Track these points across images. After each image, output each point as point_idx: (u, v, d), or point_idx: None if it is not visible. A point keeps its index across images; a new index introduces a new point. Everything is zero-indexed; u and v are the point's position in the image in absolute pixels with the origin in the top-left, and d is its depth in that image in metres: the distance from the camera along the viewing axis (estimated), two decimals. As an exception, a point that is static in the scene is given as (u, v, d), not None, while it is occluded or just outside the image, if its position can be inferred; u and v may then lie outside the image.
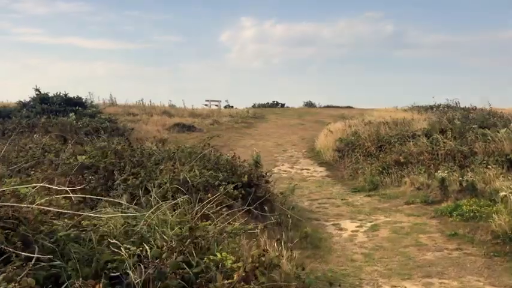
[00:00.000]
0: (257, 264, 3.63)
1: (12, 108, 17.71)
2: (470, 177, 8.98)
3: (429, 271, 5.63)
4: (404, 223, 7.78)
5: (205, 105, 37.51)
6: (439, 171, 10.34)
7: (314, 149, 18.03)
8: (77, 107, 18.16)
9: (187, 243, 3.74)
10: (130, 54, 72.51)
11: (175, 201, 4.57)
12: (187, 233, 3.76)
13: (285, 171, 14.89)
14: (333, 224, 7.98)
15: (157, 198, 5.00)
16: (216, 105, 37.95)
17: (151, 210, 3.90)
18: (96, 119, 17.22)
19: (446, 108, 21.98)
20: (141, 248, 3.17)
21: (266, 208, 7.18)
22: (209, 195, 6.08)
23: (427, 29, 78.28)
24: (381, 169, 12.08)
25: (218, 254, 3.34)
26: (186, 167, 7.02)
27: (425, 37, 75.02)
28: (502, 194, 7.24)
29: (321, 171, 14.76)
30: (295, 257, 5.24)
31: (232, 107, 40.10)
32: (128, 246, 3.12)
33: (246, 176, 7.28)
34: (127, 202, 4.71)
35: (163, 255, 3.17)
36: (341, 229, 7.68)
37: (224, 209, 6.18)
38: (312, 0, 74.76)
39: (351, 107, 38.30)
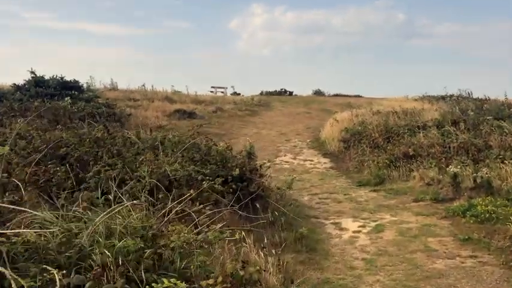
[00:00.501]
0: (229, 285, 2.93)
1: (5, 90, 17.07)
2: (486, 173, 8.19)
3: (439, 284, 4.90)
4: (412, 223, 7.04)
5: (211, 91, 36.79)
6: (450, 166, 9.56)
7: (319, 139, 17.28)
8: (73, 91, 17.48)
9: (146, 255, 3.05)
10: (139, 40, 71.77)
11: (133, 202, 3.84)
12: (143, 244, 3.07)
13: (287, 162, 14.17)
14: (333, 223, 7.27)
15: (121, 195, 4.28)
16: (222, 92, 37.21)
17: (104, 214, 3.19)
18: (92, 103, 16.54)
19: (458, 99, 21.00)
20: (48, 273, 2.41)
21: (258, 205, 6.49)
22: (191, 191, 5.40)
23: (438, 18, 76.64)
24: (388, 162, 11.31)
25: (165, 281, 2.63)
26: (171, 158, 6.32)
27: (436, 26, 73.38)
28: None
29: (324, 163, 14.02)
30: (285, 265, 4.55)
31: (239, 94, 39.29)
32: (32, 268, 2.40)
33: (237, 169, 6.56)
34: (88, 200, 4.02)
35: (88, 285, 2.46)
36: (341, 229, 6.96)
37: (208, 208, 5.50)
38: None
39: (360, 96, 37.39)
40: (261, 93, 40.18)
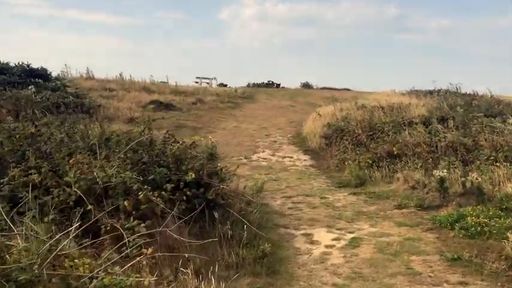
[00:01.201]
0: None
1: (-36, 78, 15.85)
2: (476, 178, 7.36)
3: (422, 321, 4.04)
4: (393, 237, 6.17)
5: (196, 82, 35.70)
6: (437, 169, 8.74)
7: (301, 134, 16.40)
8: (39, 80, 16.32)
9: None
10: (129, 29, 70.25)
11: None
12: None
13: (265, 158, 13.26)
14: (304, 235, 6.37)
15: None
16: (208, 83, 36.12)
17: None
18: (58, 93, 15.41)
19: (446, 94, 20.21)
20: None
21: (216, 216, 5.56)
22: (125, 202, 4.45)
23: (429, 13, 76.21)
24: (370, 161, 10.46)
25: None
26: (113, 160, 5.35)
27: (427, 21, 72.98)
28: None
29: (304, 160, 13.15)
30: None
31: (226, 85, 38.42)
32: None
33: (192, 173, 5.61)
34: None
35: None
36: (313, 242, 6.06)
37: (151, 222, 4.58)
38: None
39: (349, 89, 36.71)
40: (248, 85, 39.26)
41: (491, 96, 17.55)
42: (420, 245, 5.82)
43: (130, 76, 26.02)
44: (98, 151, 5.44)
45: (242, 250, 5.11)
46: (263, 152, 14.05)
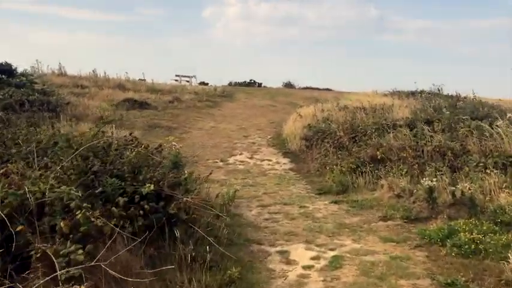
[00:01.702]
0: None
1: None
2: (469, 189, 6.77)
3: None
4: (379, 255, 5.51)
5: (176, 80, 34.77)
6: (424, 176, 8.16)
7: (281, 136, 15.72)
8: (1, 75, 15.29)
9: None
10: (108, 26, 68.80)
11: None
12: None
13: (243, 162, 12.55)
14: (280, 252, 5.66)
15: None
16: (187, 81, 35.22)
17: None
18: (23, 89, 14.42)
19: (429, 95, 19.77)
20: None
21: (178, 234, 4.82)
22: (62, 223, 3.69)
23: (409, 14, 76.68)
24: (353, 166, 9.83)
25: None
26: (54, 169, 4.56)
27: (407, 22, 73.31)
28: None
29: (284, 164, 12.48)
30: None
31: (207, 83, 37.66)
32: None
33: (151, 185, 4.86)
34: None
35: None
36: (289, 262, 5.37)
37: (96, 243, 3.83)
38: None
39: (330, 90, 36.34)
40: (230, 84, 38.54)
41: (475, 98, 17.13)
42: (409, 265, 5.17)
43: (105, 73, 25.00)
44: (35, 158, 4.65)
45: (205, 275, 4.39)
46: (241, 154, 13.33)
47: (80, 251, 3.53)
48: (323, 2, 74.02)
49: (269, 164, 12.38)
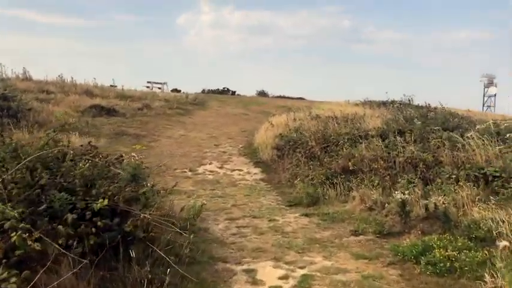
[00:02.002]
0: None
1: None
2: (443, 203, 6.58)
3: None
4: (350, 273, 5.22)
5: (147, 87, 34.13)
6: (396, 187, 7.98)
7: (252, 145, 15.41)
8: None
9: None
10: (84, 31, 67.46)
11: None
12: None
13: (212, 171, 12.16)
14: (246, 271, 5.30)
15: None
16: (159, 88, 34.67)
17: None
18: (-21, 95, 13.68)
19: (400, 105, 19.83)
20: None
21: (134, 254, 4.41)
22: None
23: (382, 25, 78.27)
24: (324, 177, 9.60)
25: None
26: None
27: (380, 33, 74.69)
28: (502, 244, 4.81)
29: (255, 174, 12.17)
30: None
31: (179, 91, 37.25)
32: None
33: (103, 200, 4.44)
34: None
35: None
36: (255, 283, 5.00)
37: (25, 273, 3.38)
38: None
39: (303, 99, 36.44)
40: (203, 91, 38.17)
41: (444, 109, 17.22)
42: (382, 285, 4.90)
43: (72, 78, 24.19)
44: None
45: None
46: (210, 164, 12.94)
47: (14, 279, 3.09)
48: (297, 12, 74.84)
49: (240, 174, 12.04)
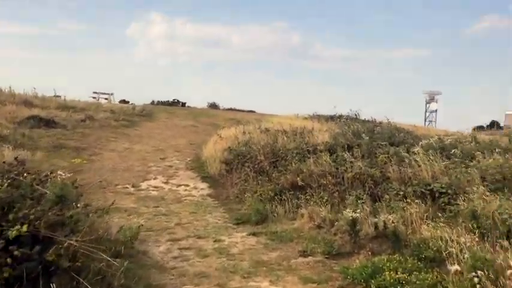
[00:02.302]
0: None
1: None
2: (392, 222, 6.45)
3: None
4: (299, 300, 4.93)
5: (94, 97, 32.90)
6: (345, 203, 7.83)
7: (200, 159, 14.93)
8: None
9: None
10: (28, 40, 64.33)
11: None
12: None
13: (157, 187, 11.59)
14: (186, 302, 4.89)
15: None
16: (106, 99, 33.51)
17: None
18: None
19: (347, 120, 20.01)
20: None
21: (54, 287, 3.88)
22: None
23: (330, 42, 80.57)
24: (273, 193, 9.34)
25: None
26: None
27: (327, 50, 76.73)
28: (453, 268, 4.66)
29: (202, 189, 11.72)
30: None
31: (127, 102, 36.24)
32: None
33: (24, 225, 3.90)
34: None
35: None
36: (196, 316, 4.61)
37: None
38: (224, 5, 73.51)
39: (254, 112, 36.38)
40: (152, 103, 37.27)
41: (390, 124, 17.49)
42: (331, 312, 4.63)
43: (10, 88, 22.77)
44: None
45: None
46: (155, 178, 12.37)
47: None
48: (248, 26, 75.48)
49: (186, 190, 11.56)
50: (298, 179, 9.62)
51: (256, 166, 11.44)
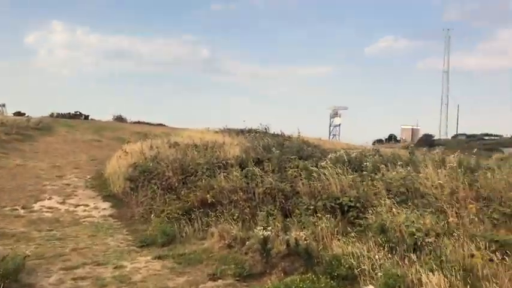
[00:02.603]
0: None
1: None
2: (305, 239, 6.26)
3: None
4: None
5: (-20, 109, 29.94)
6: (257, 223, 7.57)
7: (102, 176, 13.89)
8: None
9: None
10: None
11: None
12: None
13: (51, 208, 10.49)
14: None
15: None
16: (-2, 111, 30.71)
17: None
18: None
19: (257, 134, 20.01)
20: None
21: None
22: None
23: (239, 57, 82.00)
24: (181, 212, 8.83)
25: None
26: None
27: (237, 65, 77.89)
28: (368, 288, 4.52)
29: (104, 209, 10.81)
30: None
31: (23, 114, 33.61)
32: None
33: None
34: None
35: None
36: None
37: None
38: (129, 15, 71.64)
39: (164, 125, 35.47)
40: (52, 115, 34.69)
41: (299, 137, 17.76)
42: None
43: None
44: None
45: None
46: (50, 199, 11.22)
47: None
48: (156, 39, 73.99)
49: (85, 210, 10.58)
50: (208, 195, 9.22)
51: (164, 183, 10.82)
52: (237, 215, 8.46)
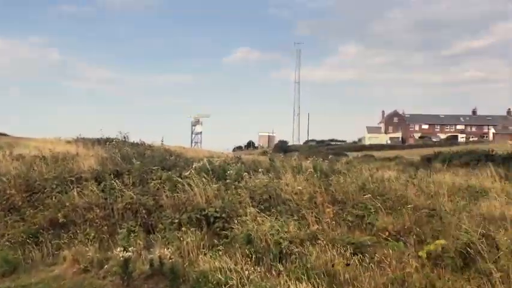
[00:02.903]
0: None
1: None
2: (170, 258, 5.87)
3: None
4: None
5: None
6: (117, 243, 6.96)
7: None
8: None
9: None
10: None
11: None
12: None
13: None
14: None
15: None
16: None
17: None
18: None
19: (116, 143, 18.86)
20: None
21: None
22: None
23: (94, 63, 77.62)
24: (26, 236, 7.74)
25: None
26: None
27: (92, 71, 73.60)
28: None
29: None
30: None
31: None
32: None
33: None
34: None
35: None
36: None
37: None
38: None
39: (6, 134, 31.63)
40: None
41: (163, 145, 17.19)
42: None
43: None
44: None
45: None
46: None
47: None
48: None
49: None
50: (59, 215, 8.25)
51: (4, 202, 9.43)
52: (93, 234, 7.71)
